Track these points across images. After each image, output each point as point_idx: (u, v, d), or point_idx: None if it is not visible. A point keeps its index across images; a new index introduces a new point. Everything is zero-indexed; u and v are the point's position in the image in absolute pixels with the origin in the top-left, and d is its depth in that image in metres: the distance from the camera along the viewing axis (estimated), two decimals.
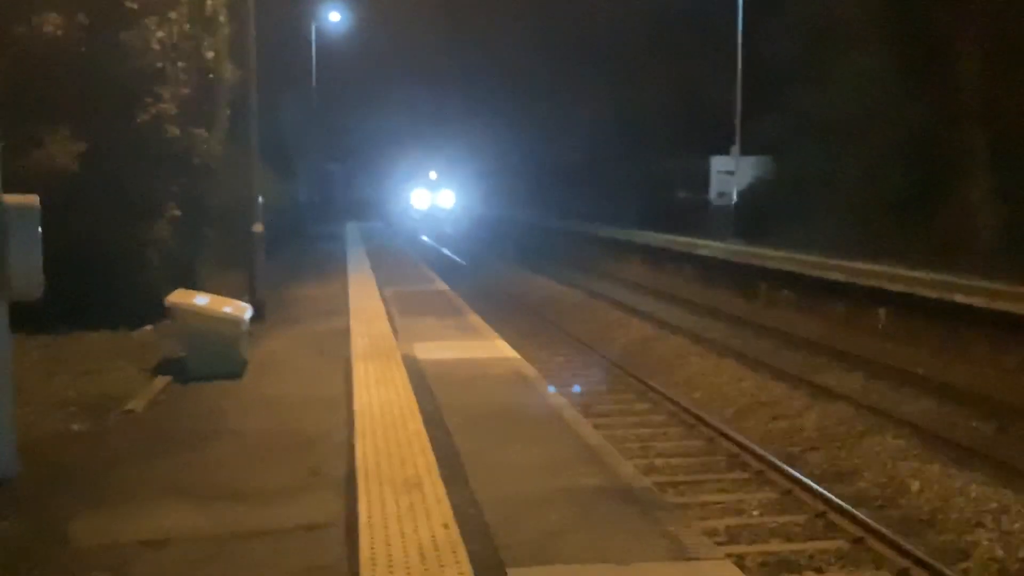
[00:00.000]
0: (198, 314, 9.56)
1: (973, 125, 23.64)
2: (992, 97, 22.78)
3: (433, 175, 59.64)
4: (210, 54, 12.83)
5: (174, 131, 11.78)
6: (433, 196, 58.65)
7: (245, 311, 10.03)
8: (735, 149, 31.81)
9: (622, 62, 41.85)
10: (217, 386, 9.31)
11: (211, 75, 12.98)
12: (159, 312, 10.59)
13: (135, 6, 11.20)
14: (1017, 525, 8.42)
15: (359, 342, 11.40)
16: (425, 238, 46.64)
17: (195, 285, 12.38)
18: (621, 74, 41.41)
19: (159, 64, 11.54)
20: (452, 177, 58.94)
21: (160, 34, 11.48)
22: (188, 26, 12.13)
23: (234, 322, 9.68)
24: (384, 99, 59.92)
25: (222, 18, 13.11)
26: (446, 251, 39.16)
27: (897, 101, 24.78)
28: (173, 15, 11.73)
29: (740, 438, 10.99)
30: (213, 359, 9.61)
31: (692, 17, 35.76)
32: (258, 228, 13.29)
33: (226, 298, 10.36)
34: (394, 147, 61.89)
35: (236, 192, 14.01)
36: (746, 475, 10.02)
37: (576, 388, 13.95)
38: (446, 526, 5.36)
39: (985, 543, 8.15)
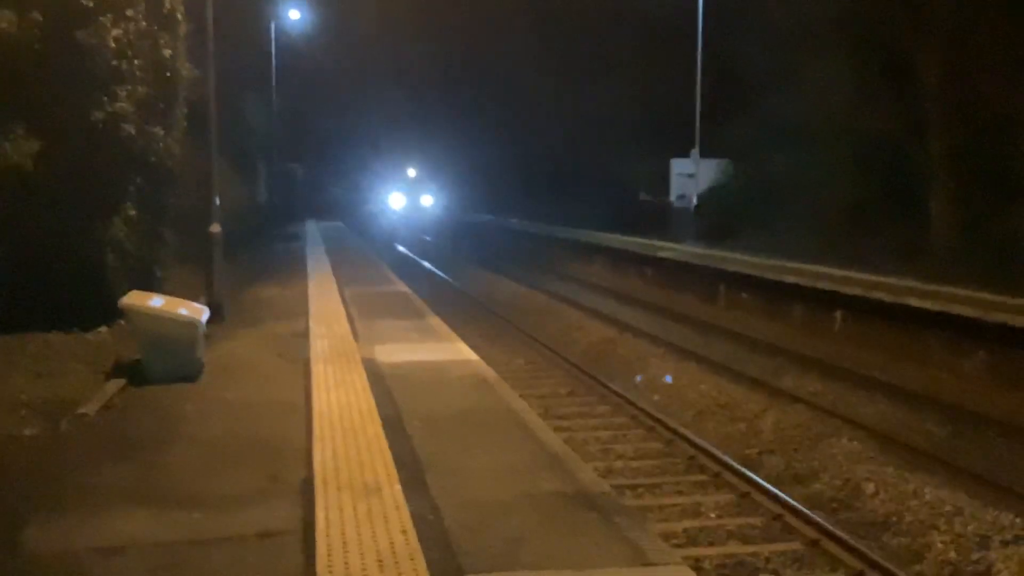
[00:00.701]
0: (153, 316, 9.43)
1: (932, 133, 24.00)
2: (951, 106, 23.14)
3: (412, 172, 60.22)
4: (168, 52, 12.66)
5: (130, 130, 11.61)
6: (411, 195, 59.49)
7: (201, 313, 9.91)
8: (695, 152, 32.03)
9: (589, 65, 42.01)
10: (173, 389, 9.19)
11: (169, 74, 12.81)
12: (115, 313, 10.45)
13: (91, 4, 11.02)
14: (971, 528, 8.55)
15: (318, 344, 11.32)
16: (401, 247, 42.12)
17: (153, 286, 12.22)
18: (588, 77, 41.56)
19: (115, 62, 11.37)
20: (431, 175, 59.92)
21: (116, 32, 11.30)
22: (145, 24, 11.97)
23: (190, 324, 9.56)
24: (355, 98, 59.10)
25: (180, 16, 12.94)
26: (406, 251, 39.04)
27: (859, 108, 25.09)
28: (130, 13, 11.55)
29: (699, 441, 11.06)
30: (169, 362, 9.48)
31: (658, 22, 35.97)
32: (215, 229, 13.14)
33: (182, 300, 10.22)
34: (366, 147, 62.18)
35: (195, 192, 13.86)
36: (704, 478, 10.08)
37: (536, 391, 13.97)
38: (404, 532, 5.33)
39: (939, 545, 8.27)
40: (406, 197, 60.40)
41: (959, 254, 21.19)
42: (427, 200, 60.09)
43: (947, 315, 14.84)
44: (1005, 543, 8.23)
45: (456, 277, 29.57)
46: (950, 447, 11.07)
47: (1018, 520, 8.63)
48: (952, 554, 8.12)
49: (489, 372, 10.11)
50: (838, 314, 17.71)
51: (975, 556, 8.06)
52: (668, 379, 14.93)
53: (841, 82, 25.77)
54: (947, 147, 23.61)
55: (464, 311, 21.64)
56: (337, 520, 5.51)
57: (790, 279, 19.49)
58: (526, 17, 45.89)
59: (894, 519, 8.98)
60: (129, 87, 11.61)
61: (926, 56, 23.77)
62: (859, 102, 25.08)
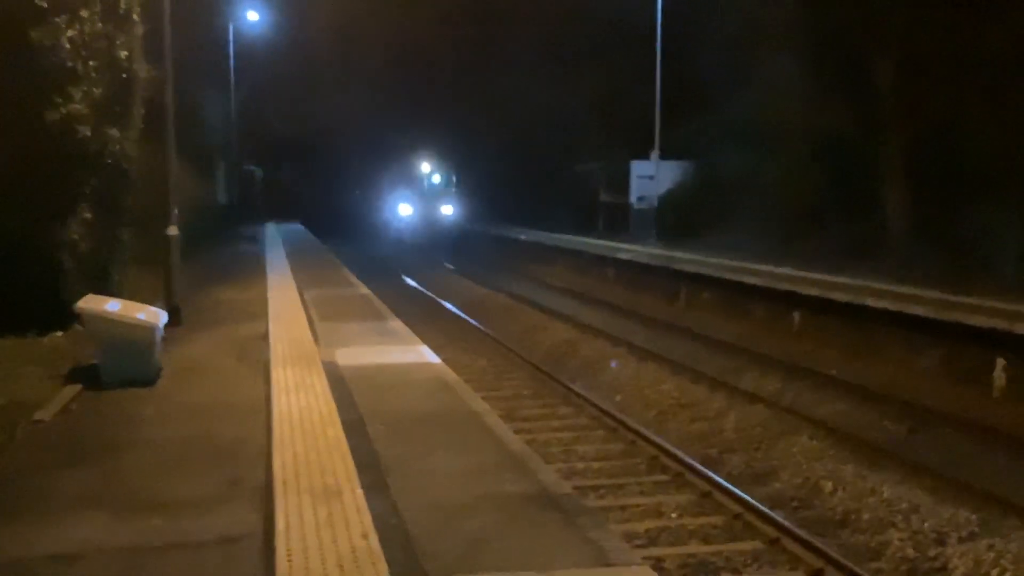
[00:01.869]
0: (110, 320, 9.31)
1: (888, 132, 24.32)
2: (905, 106, 23.47)
3: (426, 167, 44.61)
4: (124, 53, 12.50)
5: (86, 131, 11.45)
6: (425, 202, 44.05)
7: (159, 316, 9.80)
8: (655, 154, 32.22)
9: (550, 66, 42.03)
10: (131, 394, 9.08)
11: (125, 75, 12.65)
12: (71, 317, 10.30)
13: (44, 4, 10.86)
14: (927, 524, 8.67)
15: (279, 347, 11.23)
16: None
17: (109, 289, 12.06)
18: (549, 78, 41.56)
19: (70, 63, 11.21)
20: (452, 173, 45.46)
21: (71, 32, 11.14)
22: (100, 24, 11.80)
23: (147, 328, 9.45)
24: (323, 98, 55.32)
25: (136, 16, 12.78)
26: (370, 254, 38.84)
27: (815, 108, 25.36)
28: (85, 13, 11.39)
29: (660, 441, 11.11)
30: (126, 366, 9.37)
31: (617, 24, 36.10)
32: (173, 231, 13.01)
33: (139, 303, 10.10)
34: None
35: (153, 193, 13.70)
36: (666, 478, 10.13)
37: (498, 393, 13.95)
38: (366, 536, 5.30)
39: (896, 542, 8.37)
40: (420, 204, 44.23)
41: (914, 253, 21.48)
42: (447, 209, 44.16)
43: (903, 314, 15.04)
44: (961, 539, 8.35)
45: (416, 278, 29.50)
46: (907, 444, 11.21)
47: (974, 516, 8.77)
48: (909, 551, 8.23)
49: (451, 374, 10.09)
50: (797, 314, 17.89)
51: (932, 552, 8.17)
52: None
53: (797, 83, 26.04)
54: (901, 147, 23.95)
55: (426, 313, 21.60)
56: (297, 524, 5.47)
57: (750, 279, 19.66)
58: (482, 16, 45.82)
59: (852, 517, 9.08)
60: (84, 88, 11.45)
61: (879, 57, 24.09)
62: (815, 102, 25.35)
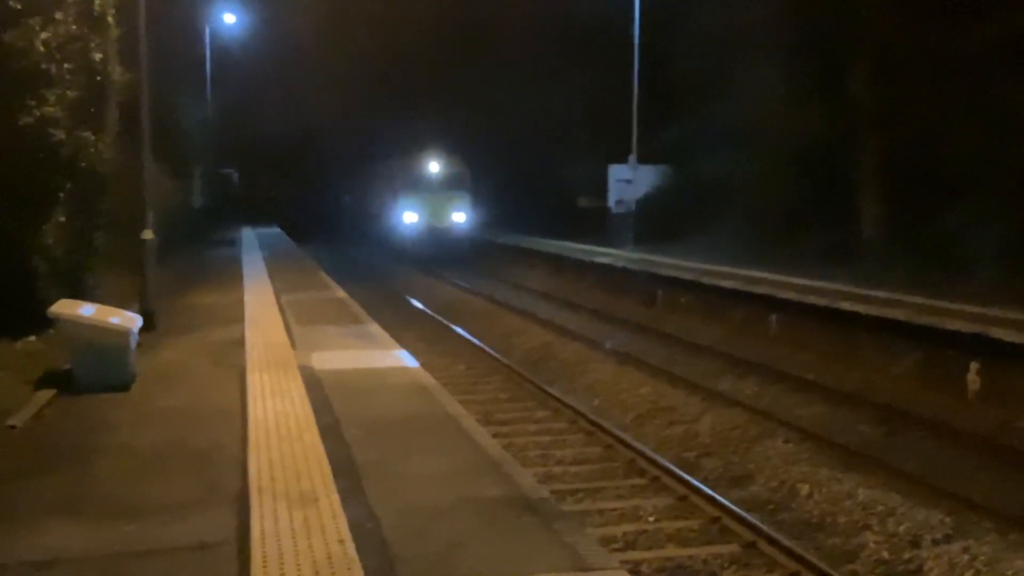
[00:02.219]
0: (84, 324, 9.24)
1: (864, 136, 24.50)
2: (881, 110, 23.65)
3: (435, 167, 36.72)
4: (98, 56, 12.41)
5: (60, 135, 11.36)
6: (432, 205, 36.33)
7: (134, 321, 9.74)
8: (633, 158, 32.31)
9: (530, 70, 42.03)
10: (105, 399, 9.01)
11: (99, 77, 12.56)
12: (44, 322, 10.20)
13: (18, 6, 10.77)
14: (903, 527, 8.73)
15: (255, 352, 11.18)
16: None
17: (84, 293, 11.95)
18: (529, 82, 41.56)
19: (44, 66, 11.12)
20: (466, 173, 37.52)
21: (45, 35, 11.05)
22: (75, 27, 11.71)
23: (122, 332, 9.39)
24: (306, 100, 54.13)
25: (111, 19, 12.69)
26: (345, 256, 38.72)
27: (793, 113, 25.51)
28: (59, 15, 11.30)
29: (637, 444, 11.13)
30: (101, 371, 9.30)
31: (595, 28, 36.17)
32: (148, 235, 12.93)
33: (114, 308, 10.03)
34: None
35: (128, 197, 13.60)
36: (643, 481, 10.15)
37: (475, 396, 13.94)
38: (342, 541, 5.28)
39: (872, 545, 8.42)
40: (427, 210, 36.51)
41: (890, 257, 21.64)
42: (459, 217, 36.79)
43: (879, 318, 15.14)
44: (936, 542, 8.41)
45: (394, 281, 29.44)
46: (883, 447, 11.28)
47: (948, 519, 8.83)
48: (885, 554, 8.28)
49: (428, 378, 10.08)
50: (774, 317, 17.98)
51: (907, 555, 8.22)
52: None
53: (776, 87, 26.19)
54: (877, 151, 24.13)
55: (404, 316, 21.56)
56: (273, 530, 5.44)
57: (727, 283, 19.74)
58: (468, 18, 45.75)
59: (828, 520, 9.13)
60: (58, 91, 11.36)
61: (855, 62, 24.27)
62: (794, 107, 25.50)
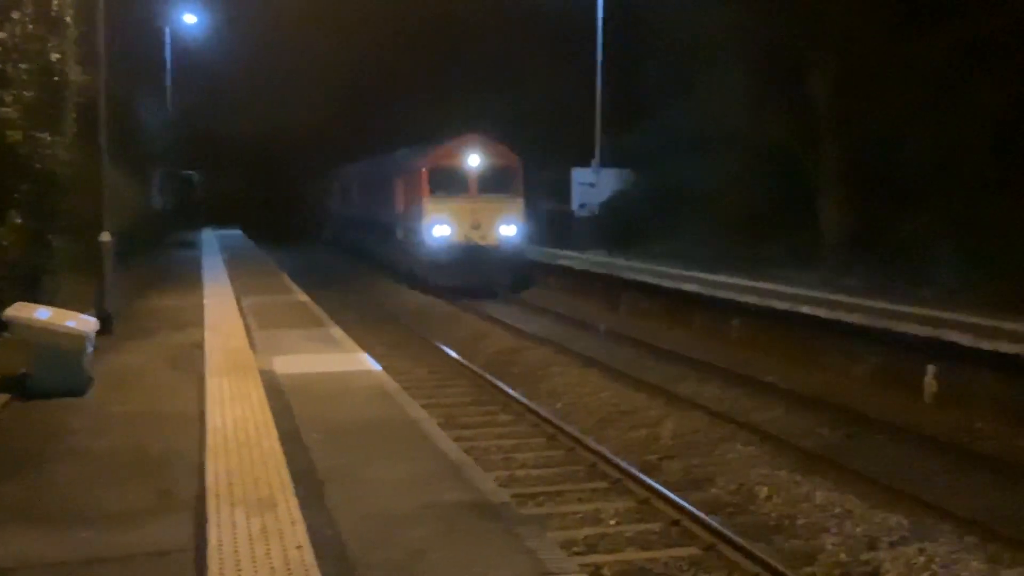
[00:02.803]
0: (39, 328, 9.12)
1: (825, 142, 24.75)
2: (841, 116, 23.91)
3: (476, 160, 26.61)
4: (56, 56, 12.25)
5: (16, 136, 11.20)
6: (472, 215, 26.31)
7: (91, 324, 9.62)
8: (595, 161, 32.44)
9: (498, 74, 42.03)
10: (61, 404, 8.90)
11: (57, 78, 12.39)
12: (0, 325, 10.05)
13: None
14: (859, 529, 8.81)
15: (214, 356, 11.09)
16: None
17: (41, 296, 11.77)
18: (494, 85, 41.55)
19: (0, 66, 10.97)
20: (518, 169, 27.31)
21: (2, 35, 10.90)
22: (32, 27, 11.56)
23: (78, 336, 9.26)
24: (274, 100, 53.10)
25: (69, 19, 12.53)
26: (304, 260, 38.48)
27: (754, 118, 25.72)
28: (16, 15, 11.15)
29: (600, 448, 11.15)
30: (57, 375, 9.17)
31: (559, 32, 36.30)
32: (106, 237, 12.77)
33: (70, 311, 9.90)
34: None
35: (86, 199, 13.43)
36: (605, 485, 10.17)
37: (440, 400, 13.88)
38: (300, 548, 5.24)
39: (830, 547, 8.49)
40: (464, 222, 26.41)
41: (850, 262, 21.89)
42: (509, 230, 26.81)
43: (839, 322, 15.30)
44: (892, 544, 8.49)
45: (358, 285, 29.30)
46: (841, 450, 11.39)
47: (905, 521, 8.93)
48: (842, 555, 8.35)
49: (391, 382, 10.05)
50: (736, 321, 18.11)
51: (864, 557, 8.30)
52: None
53: (739, 93, 26.40)
54: (837, 157, 24.39)
55: (367, 320, 21.46)
56: (230, 537, 5.39)
57: (690, 287, 19.86)
58: (433, 21, 45.63)
59: (787, 522, 9.19)
60: (15, 91, 11.20)
61: (818, 68, 24.53)
62: (756, 112, 25.72)
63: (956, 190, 20.41)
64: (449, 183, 26.28)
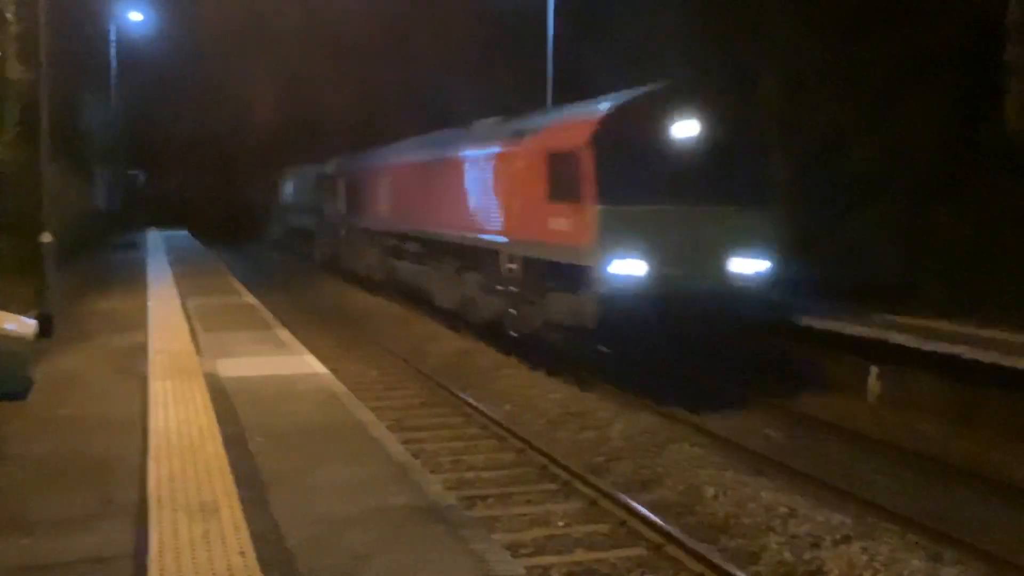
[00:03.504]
0: None
1: (774, 147, 25.00)
2: (789, 126, 24.19)
3: (689, 128, 14.13)
4: None
5: None
6: (688, 238, 13.66)
7: (31, 327, 9.44)
8: None
9: (436, 75, 41.90)
10: (0, 408, 8.71)
11: None
12: None
13: None
14: (804, 529, 8.93)
15: (158, 359, 10.93)
16: None
17: None
18: (433, 87, 41.41)
19: None
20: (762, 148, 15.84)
21: None
22: None
23: (17, 339, 9.08)
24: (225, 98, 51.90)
25: (10, 16, 12.31)
26: (253, 263, 38.13)
27: None
28: None
29: (549, 450, 11.17)
30: None
31: (508, 35, 36.28)
32: (47, 238, 12.54)
33: (10, 313, 9.70)
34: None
35: (28, 199, 13.20)
36: (554, 486, 10.19)
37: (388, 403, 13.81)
38: (243, 553, 5.18)
39: (774, 546, 8.58)
40: (673, 250, 13.52)
41: (801, 265, 22.14)
42: (754, 265, 14.11)
43: (783, 326, 15.49)
44: (836, 543, 8.61)
45: (306, 286, 29.08)
46: (786, 451, 11.53)
47: (848, 520, 9.07)
48: (787, 554, 8.44)
49: (338, 385, 9.98)
50: None
51: (807, 556, 8.40)
52: None
53: None
54: (788, 163, 24.67)
55: (315, 322, 21.29)
56: (172, 543, 5.31)
57: None
58: (376, 15, 45.26)
59: (733, 522, 9.28)
60: None
61: (766, 77, 24.80)
62: None
63: (902, 194, 20.73)
64: (639, 176, 13.83)
